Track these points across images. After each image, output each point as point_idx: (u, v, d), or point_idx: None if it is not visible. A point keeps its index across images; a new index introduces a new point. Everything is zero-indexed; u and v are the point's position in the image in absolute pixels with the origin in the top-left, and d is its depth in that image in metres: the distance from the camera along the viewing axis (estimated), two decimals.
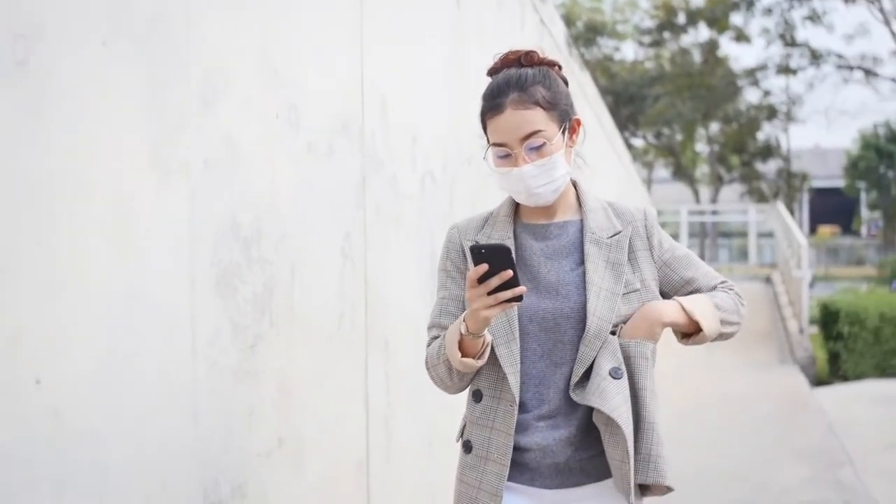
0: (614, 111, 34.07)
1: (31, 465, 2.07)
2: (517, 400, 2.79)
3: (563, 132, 2.84)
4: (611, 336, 2.79)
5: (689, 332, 2.88)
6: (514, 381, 2.78)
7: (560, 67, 2.95)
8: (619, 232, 2.91)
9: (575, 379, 2.78)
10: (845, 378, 17.17)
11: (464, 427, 2.95)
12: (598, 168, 12.86)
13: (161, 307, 2.52)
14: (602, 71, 42.84)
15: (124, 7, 2.38)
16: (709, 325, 2.85)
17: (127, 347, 2.38)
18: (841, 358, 17.43)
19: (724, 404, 13.14)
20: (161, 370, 2.53)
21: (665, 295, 2.93)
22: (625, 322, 2.83)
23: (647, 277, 2.90)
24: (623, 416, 2.70)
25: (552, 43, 8.66)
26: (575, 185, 3.00)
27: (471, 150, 5.19)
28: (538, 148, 2.78)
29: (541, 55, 2.91)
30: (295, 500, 3.29)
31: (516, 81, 2.81)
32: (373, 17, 3.98)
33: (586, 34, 44.23)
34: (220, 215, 2.81)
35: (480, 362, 2.75)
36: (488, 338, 2.75)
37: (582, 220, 2.93)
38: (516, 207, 2.98)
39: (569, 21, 41.81)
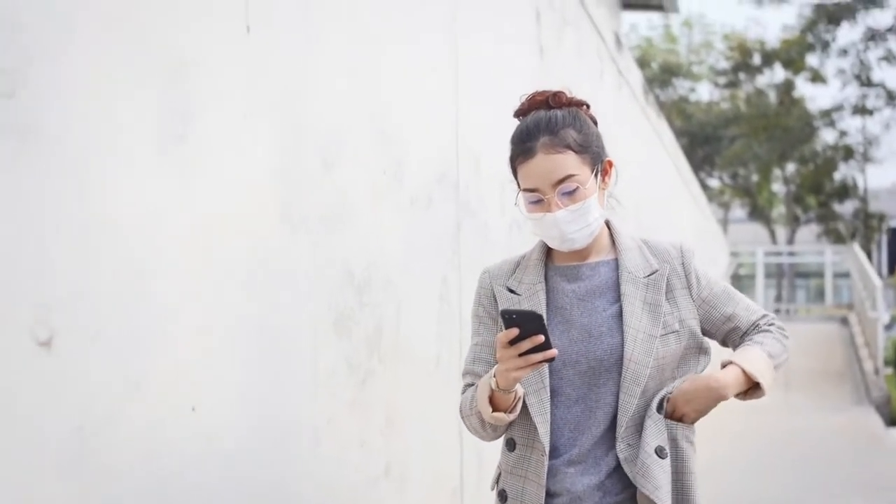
0: (690, 152, 34.22)
1: (183, 478, 2.40)
2: (547, 449, 2.71)
3: (596, 175, 2.75)
4: (657, 413, 2.71)
5: (747, 389, 2.78)
6: (543, 430, 2.70)
7: (588, 107, 2.86)
8: (656, 271, 2.82)
9: (621, 429, 2.69)
10: None
11: (499, 476, 2.88)
12: (674, 211, 13.12)
13: (289, 345, 2.86)
14: (677, 112, 42.89)
15: (261, 83, 2.73)
16: (768, 381, 2.77)
17: (263, 381, 2.72)
18: None
19: (798, 441, 13.27)
20: (290, 401, 2.86)
21: (705, 332, 2.86)
22: (665, 388, 2.77)
23: (686, 317, 2.80)
24: (664, 497, 2.63)
25: (629, 92, 8.97)
26: (608, 224, 2.88)
27: None
28: (571, 193, 2.69)
29: (569, 95, 2.83)
30: None
31: (546, 125, 2.72)
32: (467, 76, 4.31)
33: (661, 75, 44.33)
34: (336, 264, 3.14)
35: (512, 416, 2.67)
36: (520, 391, 2.67)
37: (616, 260, 2.84)
38: (548, 250, 2.88)
39: (644, 63, 41.97)
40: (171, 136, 2.34)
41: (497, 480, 2.89)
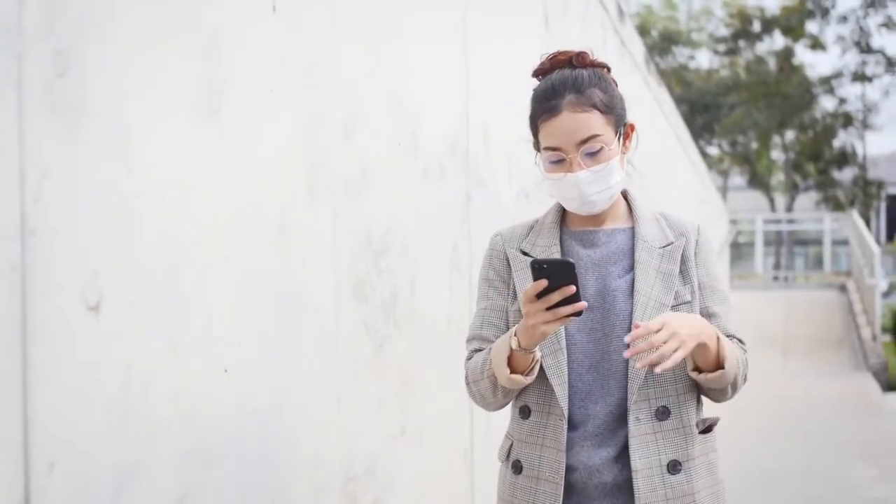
0: (689, 120, 34.26)
1: (218, 434, 2.53)
2: (566, 414, 2.67)
3: (619, 137, 2.72)
4: (693, 428, 2.71)
5: (702, 367, 2.65)
6: (561, 392, 2.67)
7: (609, 70, 2.83)
8: (672, 242, 2.78)
9: (632, 398, 2.65)
10: None
11: (510, 446, 2.84)
12: (675, 180, 13.23)
13: (315, 309, 2.99)
14: (677, 80, 42.95)
15: (287, 60, 2.85)
16: (730, 369, 2.63)
17: (289, 344, 2.85)
18: None
19: (799, 406, 13.47)
20: (315, 362, 2.99)
21: None
22: (700, 410, 2.78)
23: (696, 291, 2.75)
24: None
25: (632, 61, 9.07)
26: (625, 194, 2.85)
27: None
28: (595, 153, 2.66)
29: (592, 57, 2.79)
30: (414, 480, 3.74)
31: (573, 83, 2.68)
32: (476, 49, 4.42)
33: (661, 43, 44.36)
34: (356, 231, 3.27)
35: (529, 379, 2.64)
36: (538, 354, 2.63)
37: (633, 228, 2.81)
38: (562, 215, 2.86)
39: (643, 30, 41.98)
40: (206, 110, 2.46)
41: (509, 451, 2.84)
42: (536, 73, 2.82)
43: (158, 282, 2.28)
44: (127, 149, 2.17)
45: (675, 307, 2.70)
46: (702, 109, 43.57)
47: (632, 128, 2.81)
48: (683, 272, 2.76)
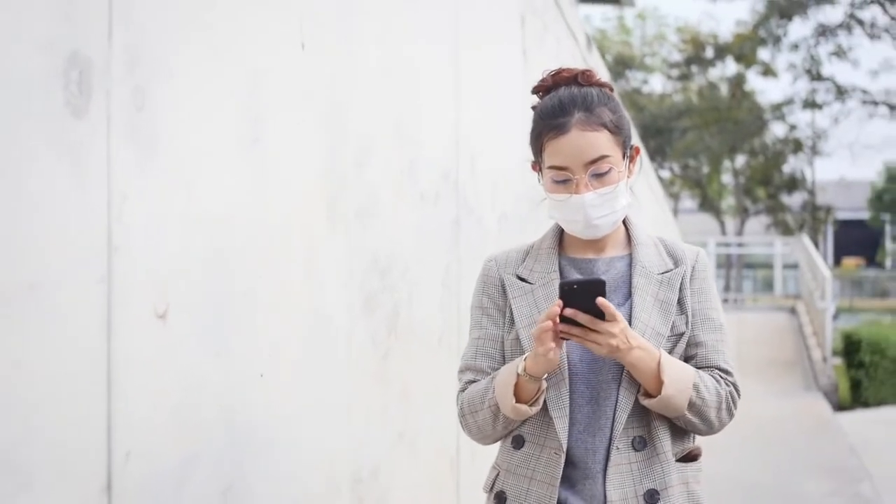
0: (642, 143, 34.70)
1: (253, 434, 2.79)
2: (564, 447, 2.56)
3: (626, 160, 2.63)
4: (667, 455, 2.63)
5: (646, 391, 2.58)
6: (561, 426, 2.56)
7: (612, 89, 2.72)
8: (671, 270, 2.68)
9: (619, 428, 2.56)
10: (867, 404, 17.85)
11: (496, 476, 2.73)
12: (635, 206, 13.56)
13: (333, 323, 3.26)
14: (631, 103, 43.47)
15: (313, 94, 3.12)
16: (670, 394, 2.52)
17: (311, 354, 3.11)
18: (862, 385, 18.13)
19: (752, 426, 13.78)
20: (331, 373, 3.26)
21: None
22: (688, 440, 2.71)
23: (689, 319, 2.66)
24: None
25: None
26: (624, 219, 2.74)
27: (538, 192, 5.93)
28: (602, 175, 2.56)
29: (596, 75, 2.69)
30: (412, 483, 4.01)
31: (582, 101, 2.58)
32: (465, 80, 4.70)
33: (615, 67, 44.84)
34: (366, 252, 3.53)
35: (535, 409, 2.55)
36: (544, 383, 2.54)
37: (631, 255, 2.70)
38: (560, 240, 2.77)
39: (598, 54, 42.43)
40: (247, 140, 2.72)
41: (493, 482, 2.74)
42: (537, 90, 2.73)
43: (209, 294, 2.55)
44: (187, 176, 2.44)
45: (670, 337, 2.61)
46: (654, 133, 44.06)
47: (637, 151, 2.72)
48: (681, 301, 2.65)
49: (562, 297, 2.41)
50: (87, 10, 2.08)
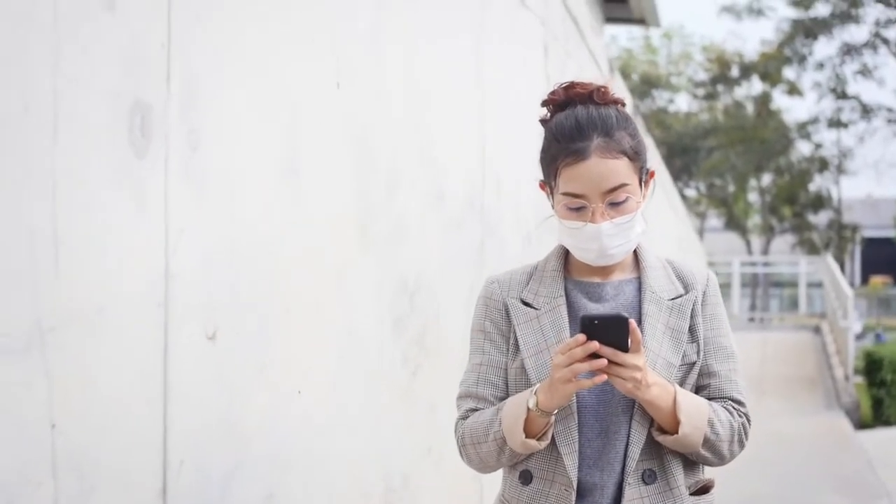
0: (668, 162, 34.83)
1: (292, 445, 3.01)
2: (574, 483, 2.45)
3: (641, 186, 2.51)
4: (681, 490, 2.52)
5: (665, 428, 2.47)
6: (570, 462, 2.44)
7: (625, 105, 2.59)
8: (682, 295, 2.56)
9: (632, 463, 2.45)
10: (888, 423, 17.93)
11: None
12: (657, 223, 13.75)
13: (363, 342, 3.48)
14: (657, 122, 43.65)
15: (347, 128, 3.35)
16: (687, 432, 2.43)
17: (345, 371, 3.34)
18: (884, 404, 18.21)
19: (774, 443, 13.95)
20: (362, 389, 3.48)
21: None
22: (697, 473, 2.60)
23: (701, 347, 2.55)
24: None
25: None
26: None
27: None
28: (620, 204, 2.43)
29: (612, 91, 2.55)
30: (438, 495, 4.23)
31: (602, 124, 2.43)
32: (489, 108, 4.94)
33: (641, 87, 45.06)
34: (395, 275, 3.76)
35: (544, 444, 2.44)
36: (552, 417, 2.42)
37: (639, 279, 2.58)
38: (565, 261, 2.62)
39: (624, 74, 42.66)
40: (287, 173, 2.95)
41: None
42: (547, 103, 2.57)
43: (253, 317, 2.77)
44: (234, 209, 2.67)
45: (681, 367, 2.51)
46: (680, 152, 44.17)
47: (651, 175, 2.59)
48: (692, 328, 2.54)
49: (583, 330, 2.29)
50: (150, 61, 2.31)
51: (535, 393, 2.39)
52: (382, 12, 3.64)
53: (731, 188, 46.87)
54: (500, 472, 2.70)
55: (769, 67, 42.15)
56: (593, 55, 7.94)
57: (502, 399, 2.56)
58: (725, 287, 35.92)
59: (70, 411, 2.07)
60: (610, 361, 2.30)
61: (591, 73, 7.82)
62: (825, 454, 13.46)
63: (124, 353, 2.24)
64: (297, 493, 3.02)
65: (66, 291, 2.06)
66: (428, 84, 4.12)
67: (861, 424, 17.90)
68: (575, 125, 2.45)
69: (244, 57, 2.73)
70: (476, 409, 2.59)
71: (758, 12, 40.41)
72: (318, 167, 3.15)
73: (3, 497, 1.91)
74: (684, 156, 44.38)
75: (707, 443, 2.46)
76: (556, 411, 2.41)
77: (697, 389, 2.55)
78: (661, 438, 2.46)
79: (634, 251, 2.62)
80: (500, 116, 5.18)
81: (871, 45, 39.51)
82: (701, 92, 46.63)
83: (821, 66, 40.92)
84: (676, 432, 2.42)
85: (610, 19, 21.11)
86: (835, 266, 27.16)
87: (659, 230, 14.39)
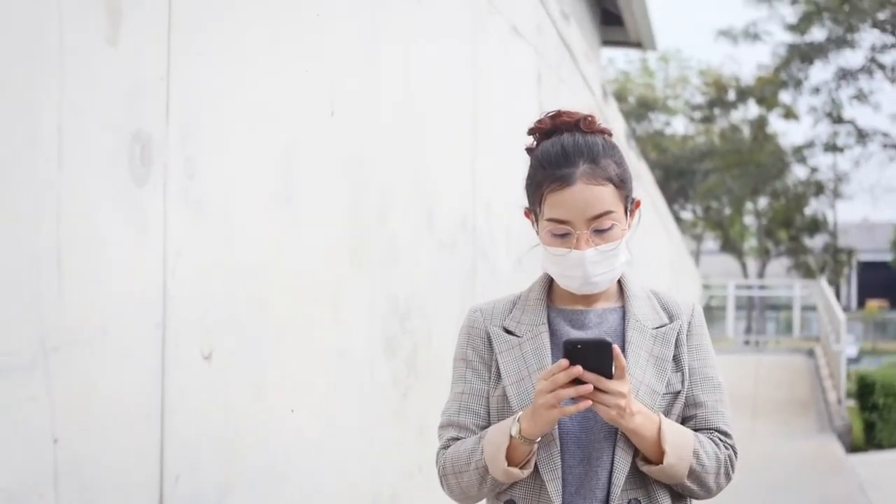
0: (664, 185, 34.98)
1: (286, 460, 3.12)
2: None
3: (627, 214, 2.50)
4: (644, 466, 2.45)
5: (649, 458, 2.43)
6: (554, 489, 2.40)
7: (611, 135, 2.56)
8: (666, 324, 2.54)
9: (617, 491, 2.41)
10: (880, 446, 17.98)
11: None
12: (650, 246, 13.87)
13: (355, 364, 3.58)
14: (653, 145, 43.77)
15: (340, 155, 3.46)
16: (672, 462, 2.40)
17: (337, 391, 3.45)
18: (876, 427, 18.27)
19: (766, 465, 14.01)
20: (353, 408, 3.59)
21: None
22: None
23: (686, 377, 2.51)
24: None
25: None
26: None
27: None
28: (604, 231, 2.42)
29: (598, 122, 2.53)
30: None
31: (588, 151, 2.42)
32: (482, 133, 5.05)
33: (638, 109, 45.18)
34: (387, 297, 3.87)
35: (527, 472, 2.41)
36: (535, 445, 2.39)
37: (623, 307, 2.56)
38: (548, 290, 2.60)
39: (621, 96, 42.82)
40: (282, 198, 3.07)
41: None
42: (534, 131, 2.57)
43: (248, 338, 2.88)
44: (230, 233, 2.78)
45: (665, 395, 2.48)
46: (677, 175, 44.27)
47: (637, 204, 2.57)
48: (677, 357, 2.52)
49: (566, 355, 2.27)
50: (150, 94, 2.43)
51: (517, 420, 2.36)
52: (377, 41, 3.76)
53: (728, 211, 46.97)
54: None
55: (765, 91, 42.27)
56: (587, 81, 8.07)
57: (484, 428, 2.52)
58: (720, 310, 36.07)
59: (72, 426, 2.17)
60: (594, 388, 2.27)
61: (584, 98, 7.94)
62: (817, 477, 13.54)
63: (124, 372, 2.35)
64: None
65: (70, 312, 2.17)
66: (422, 109, 4.24)
67: (853, 448, 17.95)
68: (561, 151, 2.44)
69: (240, 87, 2.84)
70: (458, 438, 2.55)
71: (754, 37, 40.50)
72: (313, 191, 3.26)
73: None
74: (681, 178, 44.47)
75: (692, 474, 2.43)
76: (538, 438, 2.37)
77: (683, 420, 2.51)
78: (645, 468, 2.43)
79: (619, 281, 2.58)
80: (493, 142, 5.29)
81: (866, 70, 39.64)
82: (697, 115, 46.73)
83: (817, 90, 41.05)
84: (661, 462, 2.39)
85: (607, 42, 21.34)
86: (828, 290, 27.25)
87: (653, 252, 14.50)
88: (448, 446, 2.56)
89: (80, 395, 2.20)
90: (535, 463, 2.41)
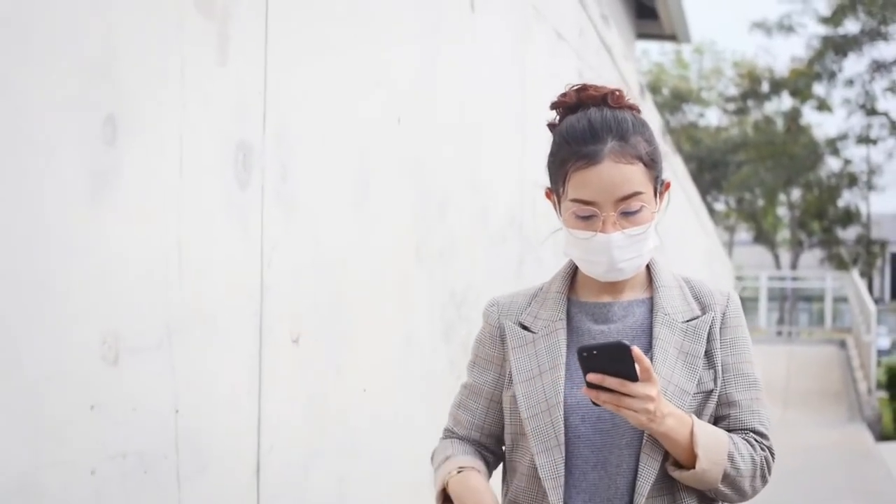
0: (697, 176, 35.06)
1: (360, 437, 3.44)
2: None
3: (656, 196, 2.32)
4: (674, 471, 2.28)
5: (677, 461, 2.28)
6: (555, 497, 2.26)
7: (640, 111, 2.40)
8: (698, 317, 2.36)
9: (641, 500, 2.24)
10: None
11: None
12: (685, 237, 14.13)
13: (417, 349, 3.90)
14: (687, 137, 43.81)
15: (406, 158, 3.78)
16: (705, 468, 2.22)
17: (402, 374, 3.77)
18: None
19: (798, 453, 14.27)
20: (416, 392, 3.90)
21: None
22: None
23: (719, 374, 2.34)
24: None
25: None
26: None
27: None
28: (633, 213, 2.25)
29: (627, 96, 2.38)
30: None
31: (617, 127, 2.26)
32: (530, 132, 5.36)
33: (672, 101, 45.22)
34: (445, 287, 4.18)
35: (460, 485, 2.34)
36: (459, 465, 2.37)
37: (652, 298, 2.38)
38: (571, 282, 2.44)
39: (655, 88, 42.92)
40: (359, 199, 3.39)
41: None
42: (557, 106, 2.43)
43: (329, 324, 3.21)
44: (316, 230, 3.11)
45: (696, 395, 2.31)
46: (710, 166, 44.27)
47: (667, 186, 2.41)
48: (709, 353, 2.34)
49: (582, 365, 2.13)
50: (251, 107, 2.76)
51: (457, 470, 2.36)
52: (437, 52, 4.07)
53: (761, 203, 46.89)
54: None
55: (799, 83, 42.23)
56: (624, 78, 8.34)
57: (477, 426, 2.50)
58: (753, 301, 36.17)
59: (189, 400, 2.51)
60: (618, 393, 2.12)
61: None
62: (846, 465, 13.81)
63: (228, 353, 2.68)
64: (363, 479, 3.44)
65: (188, 300, 2.50)
66: (476, 113, 4.55)
67: (882, 436, 18.21)
68: (588, 127, 2.28)
69: (322, 100, 3.16)
70: (453, 431, 2.56)
71: (788, 29, 40.61)
72: (383, 193, 3.58)
73: (140, 464, 2.35)
74: (714, 170, 44.47)
75: (727, 479, 2.26)
76: (533, 443, 2.30)
77: (716, 420, 2.36)
78: (676, 474, 2.27)
79: (648, 268, 2.42)
80: (538, 144, 5.58)
81: None
82: (731, 107, 46.68)
83: (850, 82, 41.08)
84: (693, 467, 2.23)
85: (641, 35, 21.52)
86: (860, 281, 27.44)
87: (686, 245, 14.77)
88: (444, 437, 2.59)
89: (195, 373, 2.54)
90: (537, 468, 2.29)
